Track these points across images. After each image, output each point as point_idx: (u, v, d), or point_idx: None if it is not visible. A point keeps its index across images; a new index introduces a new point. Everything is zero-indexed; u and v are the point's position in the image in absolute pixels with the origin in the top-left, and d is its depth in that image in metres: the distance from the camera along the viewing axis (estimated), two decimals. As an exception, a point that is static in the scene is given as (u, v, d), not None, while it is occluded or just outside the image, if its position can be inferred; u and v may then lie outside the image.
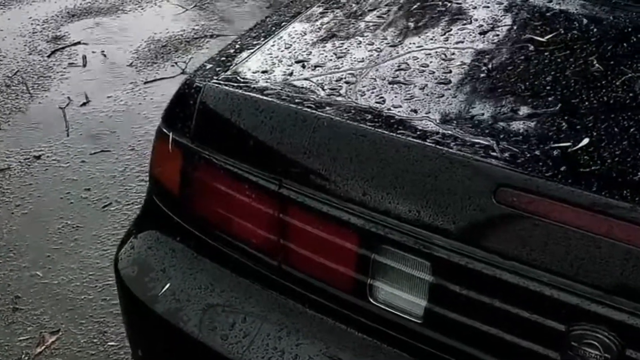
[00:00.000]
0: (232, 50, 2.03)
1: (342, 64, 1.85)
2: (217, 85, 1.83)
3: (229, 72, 1.88)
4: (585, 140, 1.51)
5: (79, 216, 3.73)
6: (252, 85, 1.81)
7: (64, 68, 4.95)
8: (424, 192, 1.53)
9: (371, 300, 1.64)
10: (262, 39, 2.04)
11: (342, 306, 1.69)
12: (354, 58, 1.87)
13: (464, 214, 1.50)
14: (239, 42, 2.07)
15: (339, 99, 1.72)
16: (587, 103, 1.63)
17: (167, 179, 1.95)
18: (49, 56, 5.06)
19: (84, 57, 5.04)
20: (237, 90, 1.80)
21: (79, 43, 5.21)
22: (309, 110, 1.69)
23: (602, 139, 1.52)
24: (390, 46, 1.89)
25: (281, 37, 2.02)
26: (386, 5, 2.10)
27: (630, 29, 1.89)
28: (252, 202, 1.76)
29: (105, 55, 5.09)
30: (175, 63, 4.99)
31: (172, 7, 5.77)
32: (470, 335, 1.53)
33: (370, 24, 2.02)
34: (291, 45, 1.97)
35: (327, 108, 1.68)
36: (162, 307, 1.86)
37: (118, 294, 2.07)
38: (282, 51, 1.95)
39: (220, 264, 1.87)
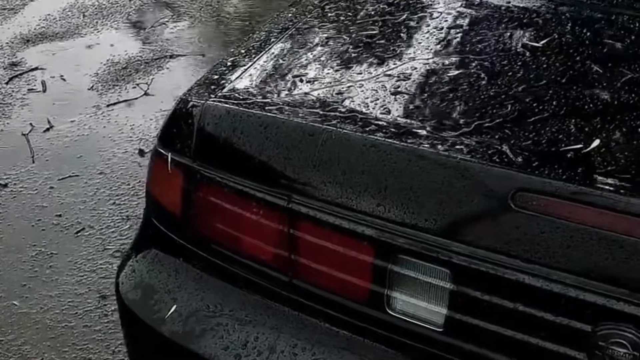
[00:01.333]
0: (224, 68, 2.02)
1: (340, 76, 1.85)
2: (216, 103, 1.82)
3: (226, 90, 1.87)
4: (596, 142, 1.52)
5: (52, 243, 3.68)
6: (252, 102, 1.81)
7: (24, 94, 4.88)
8: (439, 201, 1.54)
9: (389, 311, 1.64)
10: (253, 55, 2.04)
11: (358, 318, 1.68)
12: (352, 70, 1.87)
13: (483, 220, 1.50)
14: (230, 60, 2.06)
15: (343, 111, 1.72)
16: (591, 105, 1.65)
17: (166, 200, 1.93)
18: (7, 83, 4.99)
19: (43, 83, 4.98)
20: (238, 107, 1.79)
21: (36, 69, 5.15)
22: (315, 123, 1.68)
23: (612, 139, 1.54)
24: (387, 57, 1.90)
25: (272, 53, 2.02)
26: (376, 17, 2.11)
27: (624, 30, 1.92)
28: (260, 219, 1.75)
29: (64, 80, 5.03)
30: (137, 85, 4.96)
31: (128, 29, 5.73)
32: (494, 340, 1.53)
33: (362, 36, 2.02)
34: (284, 60, 1.97)
35: (333, 121, 1.68)
36: (170, 329, 1.84)
37: (121, 318, 2.04)
38: (276, 67, 1.95)
39: (227, 283, 1.85)
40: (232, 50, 2.17)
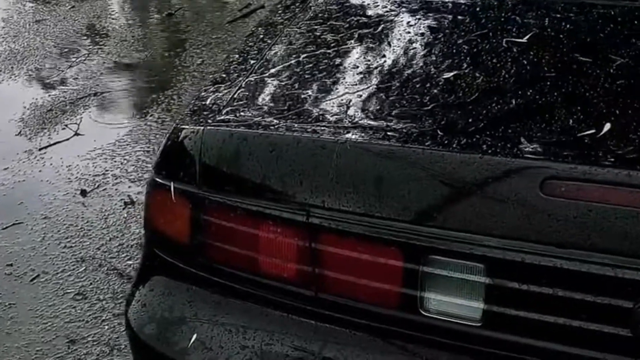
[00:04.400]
0: (210, 94, 2.02)
1: (335, 89, 1.87)
2: (216, 127, 1.82)
3: (222, 114, 1.87)
4: (608, 125, 1.58)
5: (9, 294, 3.58)
6: (254, 123, 1.81)
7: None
8: (467, 199, 1.57)
9: (423, 312, 1.66)
10: (239, 78, 2.04)
11: (392, 323, 1.70)
12: (345, 82, 1.89)
13: (513, 212, 1.54)
14: (214, 85, 2.06)
15: (350, 122, 1.74)
16: (591, 92, 1.71)
17: (173, 230, 1.91)
18: None
19: (-32, 134, 4.85)
20: (241, 129, 1.79)
21: (-43, 120, 5.01)
22: (327, 137, 1.70)
23: (621, 121, 1.60)
24: (378, 66, 1.93)
25: (258, 74, 2.02)
26: (355, 29, 2.13)
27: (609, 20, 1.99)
28: (278, 237, 1.75)
29: (-11, 128, 4.91)
30: (66, 126, 4.88)
31: (46, 72, 5.63)
32: (535, 327, 1.57)
33: (346, 48, 2.04)
34: (273, 79, 1.97)
35: (343, 132, 1.70)
36: (195, 358, 1.82)
37: (137, 355, 2.01)
38: (266, 87, 1.96)
39: (247, 305, 1.84)
40: (212, 76, 2.17)
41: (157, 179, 1.92)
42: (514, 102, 1.71)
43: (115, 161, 4.49)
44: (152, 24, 6.32)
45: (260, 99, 1.90)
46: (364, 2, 2.27)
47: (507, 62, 1.86)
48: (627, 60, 1.79)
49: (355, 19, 2.18)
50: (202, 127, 1.84)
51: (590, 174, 1.49)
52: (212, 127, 1.83)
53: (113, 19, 6.45)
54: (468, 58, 1.88)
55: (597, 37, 1.93)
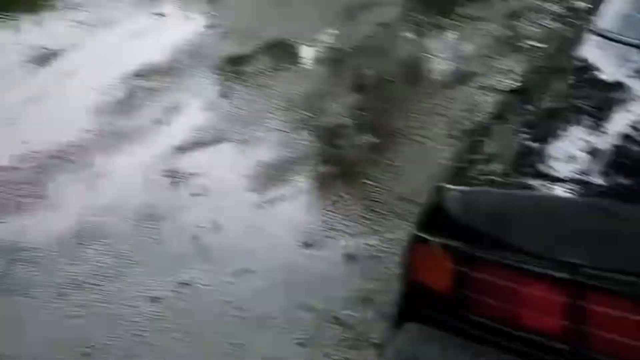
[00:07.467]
0: (471, 156, 2.18)
1: (606, 155, 2.00)
2: (482, 189, 2.00)
3: (481, 176, 2.04)
4: None
5: (238, 334, 3.88)
6: (519, 184, 1.95)
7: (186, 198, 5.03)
8: None
9: None
10: (502, 141, 2.18)
11: None
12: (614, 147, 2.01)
13: None
14: (471, 148, 2.22)
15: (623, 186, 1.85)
16: None
17: (434, 282, 2.07)
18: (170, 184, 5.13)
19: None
20: (506, 190, 1.93)
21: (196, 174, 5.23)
22: (593, 200, 1.82)
23: None
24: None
25: (522, 137, 2.16)
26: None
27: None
28: (542, 293, 1.87)
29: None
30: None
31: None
32: None
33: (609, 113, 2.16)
34: (539, 143, 2.10)
35: (612, 195, 1.82)
36: None
37: None
38: (534, 150, 2.10)
39: (502, 357, 1.96)
40: (469, 138, 2.34)
41: (420, 234, 2.08)
42: None
43: (334, 216, 4.71)
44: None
45: (527, 161, 2.04)
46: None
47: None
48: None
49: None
50: (467, 188, 2.00)
51: None
52: (478, 189, 1.99)
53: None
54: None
55: None
